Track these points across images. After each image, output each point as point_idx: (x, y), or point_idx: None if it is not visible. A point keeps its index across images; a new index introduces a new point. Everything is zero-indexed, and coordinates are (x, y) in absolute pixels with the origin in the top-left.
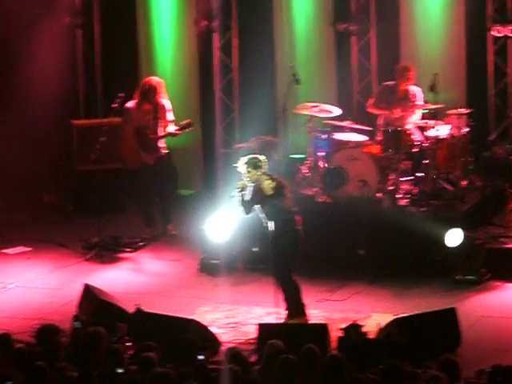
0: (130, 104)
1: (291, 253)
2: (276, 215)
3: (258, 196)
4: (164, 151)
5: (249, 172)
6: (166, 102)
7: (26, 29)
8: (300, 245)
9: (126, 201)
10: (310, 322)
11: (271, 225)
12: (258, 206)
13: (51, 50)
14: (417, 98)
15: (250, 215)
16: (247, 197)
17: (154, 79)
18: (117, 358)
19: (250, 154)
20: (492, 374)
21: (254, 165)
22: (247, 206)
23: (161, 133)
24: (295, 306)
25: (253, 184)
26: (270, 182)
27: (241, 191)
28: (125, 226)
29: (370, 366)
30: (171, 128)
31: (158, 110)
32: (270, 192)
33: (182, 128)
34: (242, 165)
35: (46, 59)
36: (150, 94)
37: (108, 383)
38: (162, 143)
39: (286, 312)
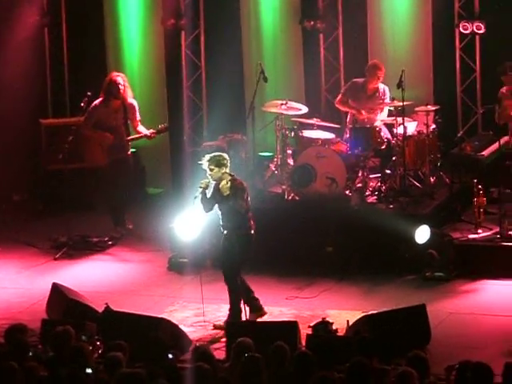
0: (97, 102)
1: (240, 256)
2: (230, 216)
3: (217, 195)
4: (130, 150)
5: (212, 170)
6: (134, 101)
7: None
8: (251, 249)
9: (95, 200)
10: (279, 319)
11: (223, 224)
12: (217, 204)
13: (19, 50)
14: (385, 95)
15: (210, 213)
16: (208, 194)
17: (118, 74)
18: (85, 358)
19: (215, 152)
20: (460, 370)
21: (217, 162)
22: (207, 203)
23: (132, 133)
24: (237, 309)
25: (214, 182)
26: (228, 182)
27: (203, 189)
28: (93, 225)
29: (339, 363)
30: (143, 129)
31: (128, 110)
32: (226, 192)
33: (158, 132)
34: (205, 162)
35: (14, 58)
36: (114, 89)
37: (77, 383)
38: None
39: (228, 313)
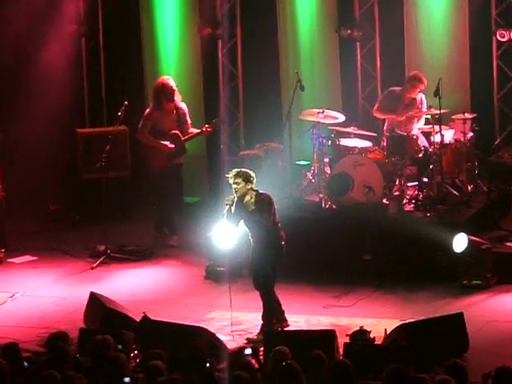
0: (149, 108)
1: (271, 267)
2: (257, 230)
3: (242, 210)
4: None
5: (237, 184)
6: (184, 105)
7: (32, 38)
8: (279, 259)
9: (132, 209)
10: (316, 328)
11: (253, 238)
12: (242, 220)
13: (56, 59)
14: (422, 103)
15: (239, 227)
16: (233, 210)
17: (168, 77)
18: (123, 367)
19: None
20: (497, 377)
21: (243, 177)
22: (233, 219)
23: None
24: (270, 319)
25: (239, 197)
26: (253, 197)
27: (229, 206)
28: (131, 234)
29: (376, 371)
30: (195, 130)
31: (180, 113)
32: (251, 207)
33: (213, 125)
34: (232, 176)
35: (51, 68)
36: (168, 91)
37: None
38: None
39: (261, 322)
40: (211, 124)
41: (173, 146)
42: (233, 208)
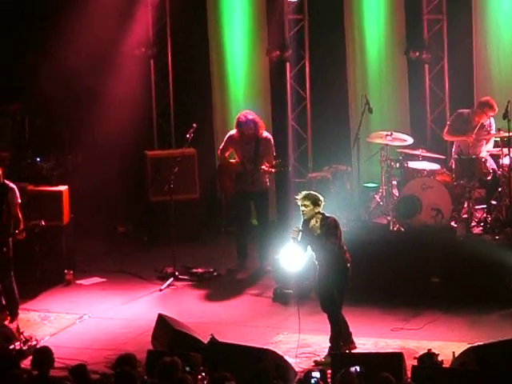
0: (231, 132)
1: (338, 289)
2: (323, 253)
3: (308, 234)
4: (266, 185)
5: (306, 206)
6: (268, 135)
7: (102, 61)
8: (347, 283)
9: (200, 231)
10: (384, 351)
11: (317, 260)
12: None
13: (126, 81)
14: (491, 126)
15: (307, 251)
16: (299, 238)
17: (245, 114)
18: None
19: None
20: None
21: (313, 200)
22: (300, 246)
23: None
24: (338, 342)
25: (306, 220)
26: (318, 221)
27: (298, 232)
28: (199, 257)
29: None
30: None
31: (261, 145)
32: (317, 231)
33: (271, 167)
34: (301, 198)
35: (120, 90)
36: (243, 128)
37: None
38: (265, 177)
39: (329, 345)
40: (275, 165)
41: (235, 173)
42: (299, 237)
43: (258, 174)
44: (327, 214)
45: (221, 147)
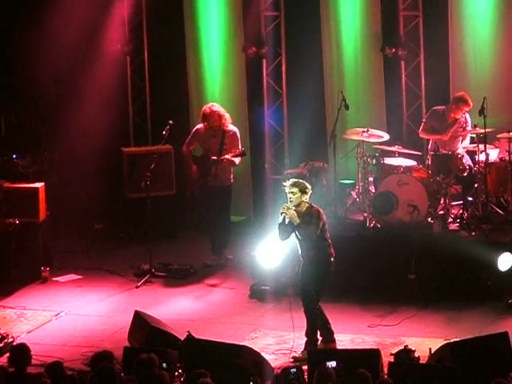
0: (197, 127)
1: (318, 284)
2: (307, 244)
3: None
4: (230, 181)
5: (294, 193)
6: (234, 128)
7: (77, 58)
8: (326, 277)
9: (177, 228)
10: (361, 347)
11: (301, 253)
12: (294, 232)
13: (101, 78)
14: (467, 122)
15: (291, 241)
16: (286, 221)
17: (210, 106)
18: None
19: (300, 179)
20: None
21: (300, 188)
22: (284, 230)
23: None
24: (314, 338)
25: (294, 207)
26: (304, 209)
27: (283, 214)
28: (175, 253)
29: None
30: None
31: (227, 137)
32: (296, 221)
33: (235, 156)
34: (289, 185)
35: (96, 87)
36: (210, 120)
37: None
38: (229, 173)
39: (305, 341)
40: (233, 154)
41: (195, 169)
42: (287, 218)
43: (220, 167)
44: (313, 204)
45: (186, 141)
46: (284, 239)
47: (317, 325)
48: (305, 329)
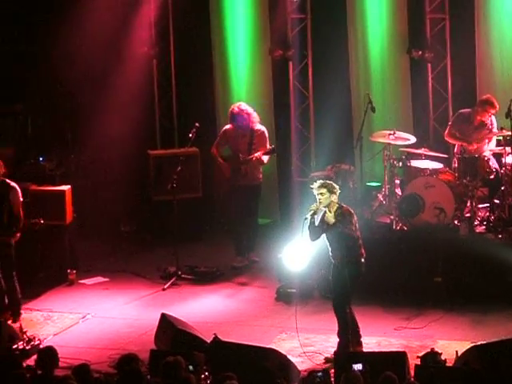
0: (225, 127)
1: (350, 284)
2: (339, 244)
3: (324, 224)
4: (259, 180)
5: (322, 194)
6: (262, 127)
7: (104, 61)
8: (360, 277)
9: (203, 230)
10: (387, 350)
11: (332, 254)
12: (324, 233)
13: (128, 81)
14: (493, 125)
15: (316, 241)
16: (317, 222)
17: (238, 105)
18: None
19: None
20: None
21: (329, 188)
22: (314, 231)
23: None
24: (346, 340)
25: (323, 208)
26: (332, 211)
27: (313, 214)
28: (202, 255)
29: None
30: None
31: (255, 137)
32: (331, 221)
33: (264, 153)
34: (317, 186)
35: (123, 89)
36: (237, 119)
37: None
38: (258, 171)
39: (337, 343)
40: (263, 152)
41: (228, 166)
42: (316, 219)
43: (250, 166)
44: (342, 204)
45: (215, 142)
46: (314, 240)
47: (349, 326)
48: (333, 333)
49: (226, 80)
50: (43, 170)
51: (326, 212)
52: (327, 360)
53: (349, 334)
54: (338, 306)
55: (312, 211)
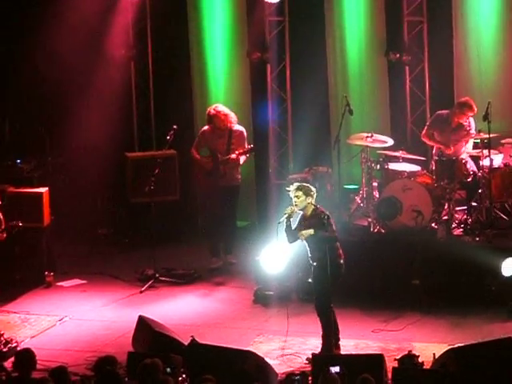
0: (204, 128)
1: (330, 285)
2: (318, 246)
3: (302, 225)
4: (238, 181)
5: (298, 197)
6: (240, 128)
7: (81, 63)
8: (339, 278)
9: (181, 232)
10: (365, 352)
11: (312, 256)
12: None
13: (106, 83)
14: (471, 127)
15: (294, 243)
16: (293, 224)
17: (215, 107)
18: None
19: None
20: None
21: (304, 191)
22: (292, 233)
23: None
24: (330, 341)
25: (300, 211)
26: (311, 212)
27: (288, 217)
28: (180, 258)
29: None
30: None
31: (233, 137)
32: (311, 232)
33: (244, 152)
34: (293, 189)
35: (100, 92)
36: (216, 121)
37: None
38: (237, 172)
39: (321, 345)
40: (241, 152)
41: (209, 161)
42: (293, 222)
43: (229, 167)
44: (319, 206)
45: (194, 144)
46: (291, 242)
47: (332, 327)
48: (315, 332)
49: (204, 82)
50: (21, 171)
51: (305, 213)
52: (309, 361)
53: (332, 335)
54: (321, 306)
55: (287, 214)
